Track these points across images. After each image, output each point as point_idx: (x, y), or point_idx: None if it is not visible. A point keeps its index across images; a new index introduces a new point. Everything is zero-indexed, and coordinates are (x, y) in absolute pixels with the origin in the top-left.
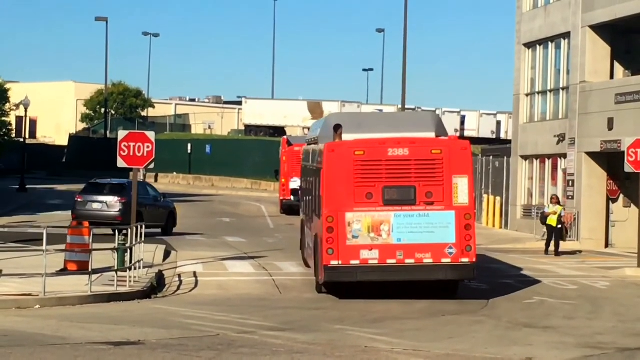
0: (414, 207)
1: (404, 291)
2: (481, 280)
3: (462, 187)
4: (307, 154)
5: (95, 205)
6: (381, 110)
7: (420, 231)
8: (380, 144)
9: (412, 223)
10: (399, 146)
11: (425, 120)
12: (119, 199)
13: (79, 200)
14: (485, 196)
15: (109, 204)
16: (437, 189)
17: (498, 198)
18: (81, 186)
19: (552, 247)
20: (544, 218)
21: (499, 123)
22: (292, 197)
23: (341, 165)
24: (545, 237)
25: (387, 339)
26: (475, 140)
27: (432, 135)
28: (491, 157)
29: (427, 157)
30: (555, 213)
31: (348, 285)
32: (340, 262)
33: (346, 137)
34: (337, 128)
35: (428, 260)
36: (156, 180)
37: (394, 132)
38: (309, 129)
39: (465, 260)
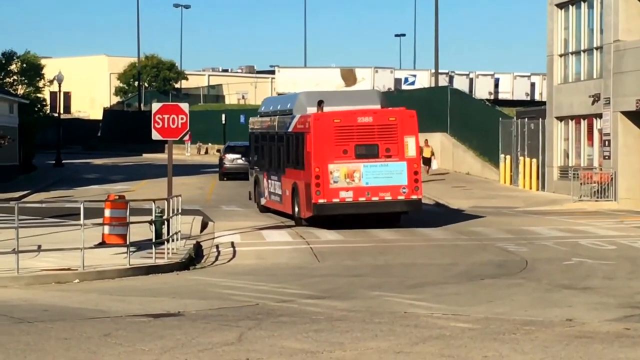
0: (377, 159)
1: (441, 255)
2: (519, 243)
3: (411, 145)
4: (270, 124)
5: (237, 161)
6: (415, 76)
7: (382, 177)
8: (351, 114)
9: (376, 171)
10: (365, 115)
11: (373, 96)
12: None
13: (224, 158)
14: (521, 159)
15: (244, 159)
16: (393, 146)
17: (534, 160)
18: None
19: None
20: None
21: (533, 85)
22: None
23: (324, 130)
24: None
25: (426, 304)
26: (509, 103)
27: (378, 106)
28: (526, 119)
29: (386, 123)
30: None
31: (329, 217)
32: (325, 201)
33: (327, 108)
34: (320, 103)
35: (388, 197)
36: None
37: (352, 105)
38: None
39: (414, 197)
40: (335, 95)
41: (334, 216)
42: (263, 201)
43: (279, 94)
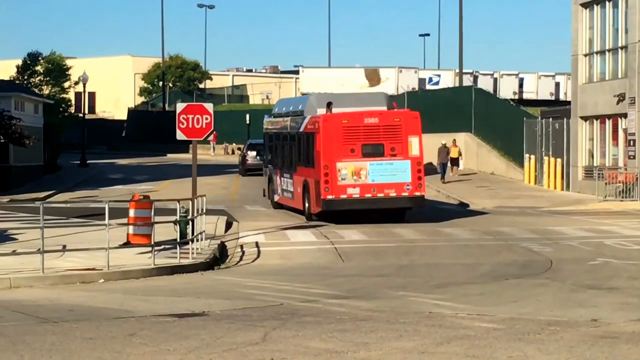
0: (383, 158)
1: (465, 255)
2: (543, 243)
3: (415, 144)
4: (283, 124)
5: (259, 158)
6: (439, 76)
7: (387, 174)
8: (359, 115)
9: (381, 169)
10: (371, 116)
11: (380, 98)
12: None
13: (247, 155)
14: (545, 158)
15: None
16: (398, 145)
17: (559, 160)
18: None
19: None
20: None
21: (557, 84)
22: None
23: (333, 130)
24: None
25: (451, 304)
26: (533, 102)
27: (384, 108)
28: (550, 119)
29: (391, 124)
30: None
31: (337, 213)
32: (333, 197)
33: (336, 109)
34: (330, 104)
35: (393, 194)
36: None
37: (360, 107)
38: None
39: (417, 193)
40: (344, 97)
41: (342, 211)
42: (276, 198)
43: (303, 94)
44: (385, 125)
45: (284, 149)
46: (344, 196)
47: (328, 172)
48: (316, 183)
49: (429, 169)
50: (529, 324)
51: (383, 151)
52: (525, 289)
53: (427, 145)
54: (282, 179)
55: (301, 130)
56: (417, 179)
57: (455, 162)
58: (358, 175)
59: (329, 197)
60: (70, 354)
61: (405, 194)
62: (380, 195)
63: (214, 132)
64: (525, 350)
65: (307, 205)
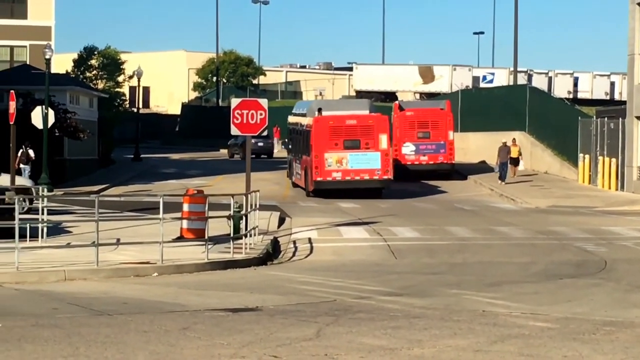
0: (359, 150)
1: (519, 254)
2: (598, 243)
3: (383, 140)
4: (296, 121)
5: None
6: (493, 74)
7: (362, 162)
8: (342, 118)
9: (358, 158)
10: (350, 119)
11: (364, 104)
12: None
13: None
14: (600, 158)
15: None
16: (371, 141)
17: (613, 160)
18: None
19: None
20: None
21: (612, 84)
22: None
23: (322, 128)
24: None
25: (504, 303)
26: (588, 102)
27: (367, 112)
28: (605, 119)
29: (366, 124)
30: None
31: (324, 191)
32: (322, 179)
33: (324, 113)
34: (320, 110)
35: (366, 177)
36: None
37: (348, 110)
38: (420, 94)
39: (385, 177)
40: (336, 103)
41: (329, 190)
42: (293, 179)
43: (357, 92)
44: (362, 126)
45: (297, 141)
46: (329, 178)
47: (318, 160)
48: (310, 168)
49: (482, 168)
50: (583, 324)
51: (359, 145)
52: (580, 289)
53: (480, 144)
54: (295, 164)
55: (304, 127)
56: (385, 166)
57: (515, 161)
58: (340, 163)
59: (319, 179)
60: (125, 347)
61: (376, 177)
62: (357, 178)
63: (277, 128)
64: (580, 350)
65: (306, 184)
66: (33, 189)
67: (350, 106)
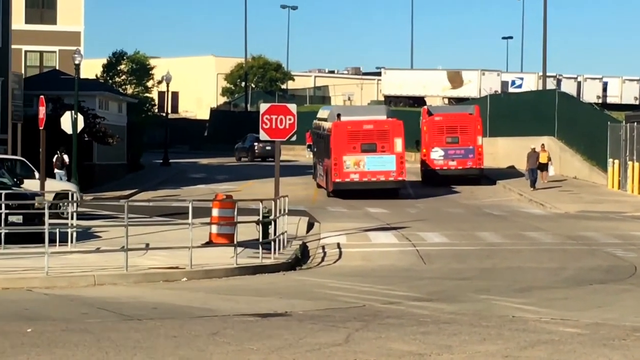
0: (375, 153)
1: (548, 259)
2: (627, 248)
3: (398, 144)
4: (319, 126)
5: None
6: (522, 79)
7: (378, 165)
8: (359, 122)
9: (374, 161)
10: (367, 124)
11: (381, 110)
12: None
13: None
14: (629, 163)
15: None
16: (386, 144)
17: None
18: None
19: None
20: None
21: None
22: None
23: (341, 133)
24: None
25: (534, 308)
26: (617, 107)
27: (384, 117)
28: (635, 124)
29: (382, 129)
30: None
31: (343, 192)
32: (340, 180)
33: (343, 118)
34: (339, 115)
35: (382, 178)
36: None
37: (365, 116)
38: (449, 99)
39: (400, 178)
40: (355, 109)
41: (347, 190)
42: (317, 180)
43: (385, 96)
44: (378, 130)
45: (319, 145)
46: (347, 179)
47: (337, 163)
48: (330, 170)
49: (511, 173)
50: (613, 330)
51: (376, 148)
52: (610, 294)
53: (509, 149)
54: (318, 166)
55: (325, 132)
56: (400, 168)
57: (544, 167)
58: (358, 165)
59: (338, 180)
60: (154, 352)
61: (391, 178)
62: (374, 179)
63: (310, 134)
64: (611, 356)
65: (327, 185)
66: (78, 194)
67: (367, 112)
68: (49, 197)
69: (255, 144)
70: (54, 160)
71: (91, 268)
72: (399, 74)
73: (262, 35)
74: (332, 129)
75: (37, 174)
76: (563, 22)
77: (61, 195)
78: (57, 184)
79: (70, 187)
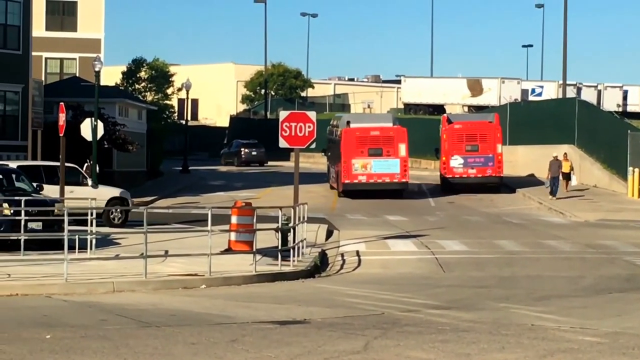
0: (381, 157)
1: (567, 268)
2: None
3: (402, 148)
4: (332, 132)
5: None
6: (542, 87)
7: (384, 168)
8: (367, 129)
9: (380, 164)
10: (374, 130)
11: (387, 117)
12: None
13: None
14: None
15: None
16: (391, 149)
17: None
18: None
19: None
20: None
21: None
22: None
23: (350, 138)
24: None
25: (553, 317)
26: (638, 115)
27: (390, 124)
28: None
29: (387, 135)
30: None
31: (352, 192)
32: (349, 181)
33: (352, 125)
34: (349, 122)
35: (387, 180)
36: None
37: (373, 123)
38: (469, 107)
39: (403, 180)
40: (363, 117)
41: (356, 191)
42: (330, 182)
43: (405, 104)
44: (384, 136)
45: (332, 149)
46: (356, 181)
47: (346, 165)
48: (340, 172)
49: (531, 181)
50: (633, 339)
51: (382, 152)
52: (629, 303)
53: (528, 157)
54: (331, 169)
55: (336, 137)
56: (403, 171)
57: (567, 176)
58: (365, 168)
59: (347, 181)
60: (173, 359)
61: (395, 180)
62: (379, 181)
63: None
64: None
65: (337, 186)
66: (130, 200)
67: (375, 119)
68: (101, 203)
69: (242, 149)
70: (84, 168)
71: (110, 275)
72: (419, 81)
73: (282, 42)
74: (342, 134)
75: (89, 181)
76: (583, 30)
77: (114, 202)
78: (111, 191)
79: (124, 194)
